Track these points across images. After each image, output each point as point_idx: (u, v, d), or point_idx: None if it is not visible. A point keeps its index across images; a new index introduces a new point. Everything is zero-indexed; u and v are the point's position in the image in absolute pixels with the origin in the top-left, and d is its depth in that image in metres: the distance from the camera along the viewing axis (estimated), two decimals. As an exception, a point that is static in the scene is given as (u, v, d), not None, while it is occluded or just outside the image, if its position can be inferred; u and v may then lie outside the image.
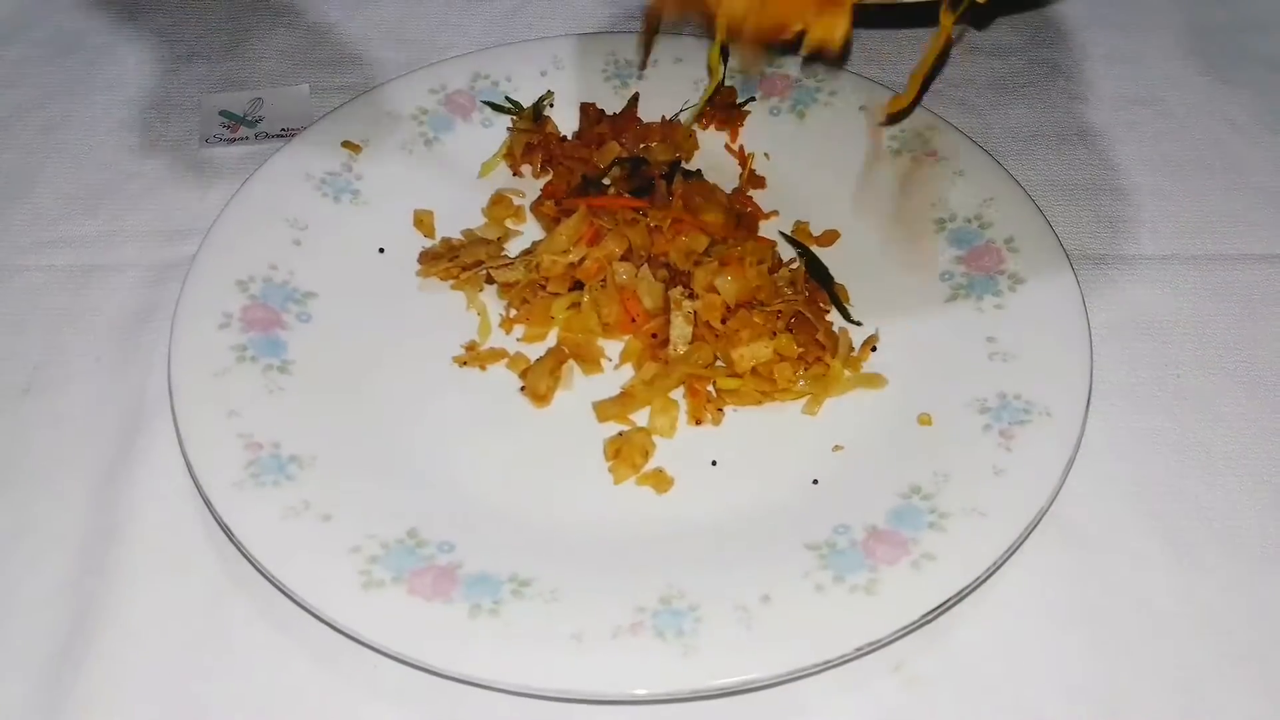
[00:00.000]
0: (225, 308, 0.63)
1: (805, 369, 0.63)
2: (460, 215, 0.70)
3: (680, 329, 0.63)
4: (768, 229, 0.70)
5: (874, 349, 0.64)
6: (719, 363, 0.63)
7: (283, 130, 0.76)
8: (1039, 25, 0.84)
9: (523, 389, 0.63)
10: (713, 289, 0.63)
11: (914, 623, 0.52)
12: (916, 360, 0.63)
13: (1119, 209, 0.73)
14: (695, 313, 0.63)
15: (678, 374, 0.63)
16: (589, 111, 0.74)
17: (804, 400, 0.63)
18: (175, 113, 0.78)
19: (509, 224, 0.71)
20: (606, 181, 0.69)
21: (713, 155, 0.74)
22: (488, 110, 0.74)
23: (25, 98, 0.79)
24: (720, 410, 0.62)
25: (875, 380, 0.63)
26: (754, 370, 0.62)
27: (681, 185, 0.68)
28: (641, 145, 0.72)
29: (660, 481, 0.60)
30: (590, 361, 0.64)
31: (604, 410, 0.62)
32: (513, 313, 0.66)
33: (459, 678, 0.51)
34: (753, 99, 0.75)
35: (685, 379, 0.63)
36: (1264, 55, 0.82)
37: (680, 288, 0.63)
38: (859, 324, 0.65)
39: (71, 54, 0.82)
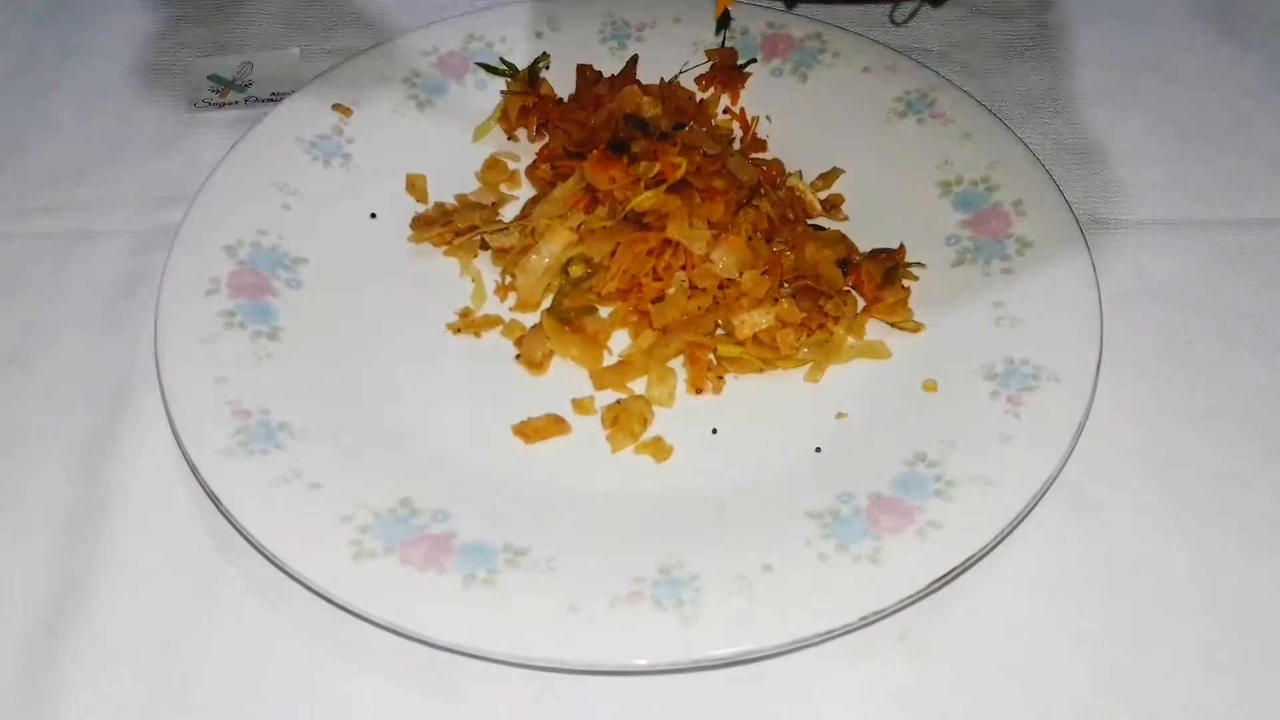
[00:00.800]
0: (213, 273, 0.62)
1: (808, 335, 0.62)
2: (454, 179, 0.69)
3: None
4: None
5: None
6: (720, 330, 0.62)
7: (273, 94, 0.74)
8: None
9: (518, 357, 0.62)
10: (708, 259, 0.61)
11: (919, 592, 0.51)
12: (922, 325, 0.62)
13: (1128, 173, 0.72)
14: (689, 281, 0.62)
15: (677, 342, 0.61)
16: (586, 73, 0.72)
17: (807, 367, 0.61)
18: (164, 77, 0.76)
19: (504, 188, 0.70)
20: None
21: (714, 118, 0.72)
22: (482, 72, 0.73)
23: (12, 62, 0.77)
24: (721, 378, 0.61)
25: (879, 347, 0.62)
26: (755, 337, 0.61)
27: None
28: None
29: (659, 450, 0.58)
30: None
31: (601, 378, 0.61)
32: (508, 279, 0.65)
33: (452, 648, 0.50)
34: (754, 60, 0.73)
35: (685, 347, 0.61)
36: (1273, 18, 0.81)
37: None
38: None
39: (60, 18, 0.80)
